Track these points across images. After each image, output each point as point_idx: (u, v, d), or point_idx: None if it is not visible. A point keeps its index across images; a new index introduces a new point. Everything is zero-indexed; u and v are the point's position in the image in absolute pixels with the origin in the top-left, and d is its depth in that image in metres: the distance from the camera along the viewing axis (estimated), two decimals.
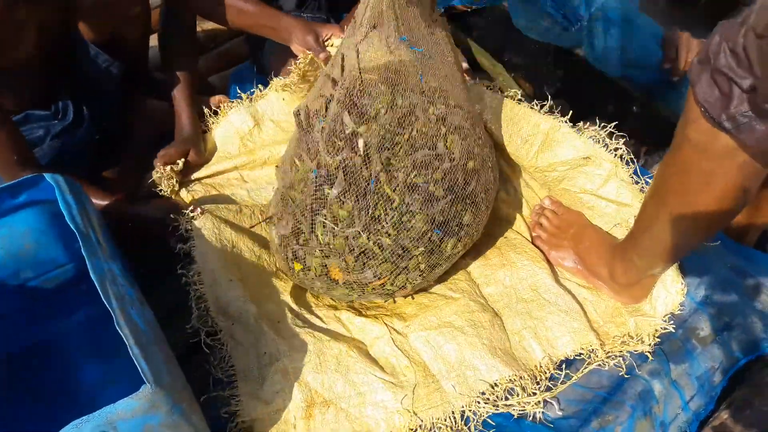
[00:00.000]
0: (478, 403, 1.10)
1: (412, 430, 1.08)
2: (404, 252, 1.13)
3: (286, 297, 1.26)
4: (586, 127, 1.39)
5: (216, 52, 2.08)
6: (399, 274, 1.15)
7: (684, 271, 1.27)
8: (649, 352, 1.18)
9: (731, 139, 0.80)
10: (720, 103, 0.79)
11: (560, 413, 1.12)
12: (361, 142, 1.11)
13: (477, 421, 1.09)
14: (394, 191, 1.11)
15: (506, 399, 1.11)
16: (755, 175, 0.87)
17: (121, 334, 0.85)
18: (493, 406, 1.10)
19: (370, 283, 1.15)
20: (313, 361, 1.15)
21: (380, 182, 1.10)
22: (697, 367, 1.20)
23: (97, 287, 0.90)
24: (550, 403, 1.12)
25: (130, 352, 0.83)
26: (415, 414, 1.10)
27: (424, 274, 1.18)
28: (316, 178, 1.12)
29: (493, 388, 1.12)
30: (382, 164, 1.10)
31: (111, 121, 1.58)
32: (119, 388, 0.81)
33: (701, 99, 0.81)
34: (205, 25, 2.16)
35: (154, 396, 0.80)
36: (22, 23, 1.23)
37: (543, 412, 1.11)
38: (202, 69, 1.99)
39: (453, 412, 1.10)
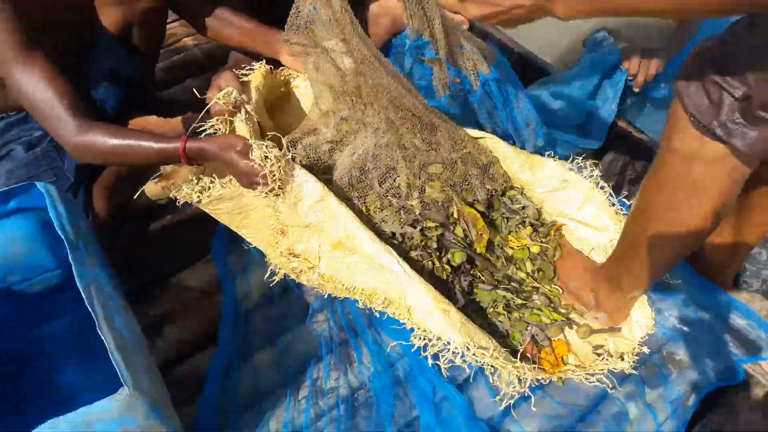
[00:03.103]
0: (468, 350, 1.07)
1: (405, 313, 1.10)
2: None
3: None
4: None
5: (215, 72, 2.10)
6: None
7: (661, 297, 1.31)
8: (628, 370, 1.19)
9: (722, 145, 0.84)
10: (711, 111, 0.83)
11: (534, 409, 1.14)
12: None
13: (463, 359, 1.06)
14: None
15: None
16: (741, 180, 0.91)
17: (104, 339, 0.87)
18: (484, 357, 1.07)
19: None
20: (357, 223, 1.14)
21: None
22: (671, 391, 1.22)
23: (82, 293, 0.92)
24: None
25: (111, 356, 0.85)
26: (409, 311, 1.10)
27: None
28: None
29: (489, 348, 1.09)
30: None
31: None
32: (102, 394, 0.82)
33: (691, 109, 0.85)
34: (204, 46, 2.22)
35: (132, 399, 0.82)
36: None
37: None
38: (202, 88, 2.03)
39: (439, 338, 1.07)
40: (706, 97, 0.84)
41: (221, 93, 1.31)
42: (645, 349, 1.21)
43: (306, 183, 1.18)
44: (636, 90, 1.80)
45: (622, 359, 1.21)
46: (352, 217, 1.14)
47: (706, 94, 0.84)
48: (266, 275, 1.23)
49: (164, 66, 2.10)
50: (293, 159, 1.21)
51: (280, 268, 1.23)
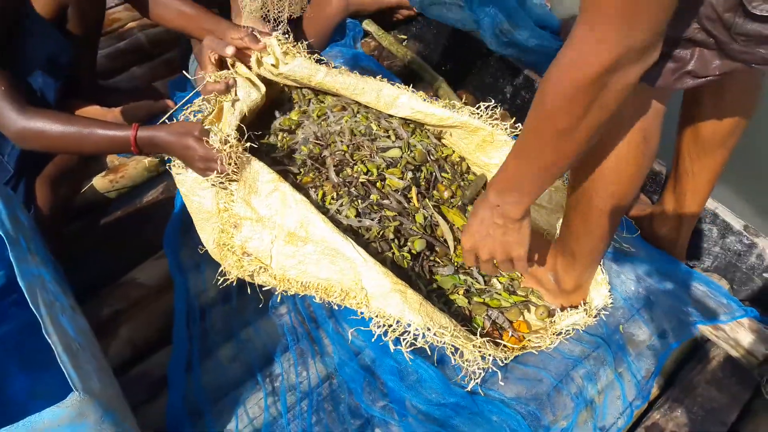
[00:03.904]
0: (429, 330, 1.06)
1: (363, 300, 1.08)
2: None
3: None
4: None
5: (162, 59, 2.04)
6: None
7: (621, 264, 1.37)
8: (594, 319, 1.24)
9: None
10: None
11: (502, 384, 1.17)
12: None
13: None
14: None
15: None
16: (660, 111, 0.98)
17: (49, 341, 0.82)
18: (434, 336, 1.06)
19: None
20: (311, 208, 1.13)
21: None
22: (634, 362, 1.25)
23: (25, 293, 0.86)
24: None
25: (58, 359, 0.80)
26: (367, 297, 1.08)
27: None
28: None
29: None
30: None
31: None
32: (51, 402, 0.77)
33: None
34: (150, 32, 2.13)
35: (82, 404, 0.78)
36: None
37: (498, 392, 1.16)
38: (147, 76, 1.96)
39: (398, 321, 1.07)
40: None
41: (220, 73, 1.28)
42: (602, 314, 1.26)
43: (260, 173, 1.15)
44: None
45: (587, 311, 1.24)
46: (305, 203, 1.12)
47: None
48: (219, 280, 1.18)
49: (107, 53, 2.01)
50: (248, 149, 1.17)
51: (232, 271, 1.18)
